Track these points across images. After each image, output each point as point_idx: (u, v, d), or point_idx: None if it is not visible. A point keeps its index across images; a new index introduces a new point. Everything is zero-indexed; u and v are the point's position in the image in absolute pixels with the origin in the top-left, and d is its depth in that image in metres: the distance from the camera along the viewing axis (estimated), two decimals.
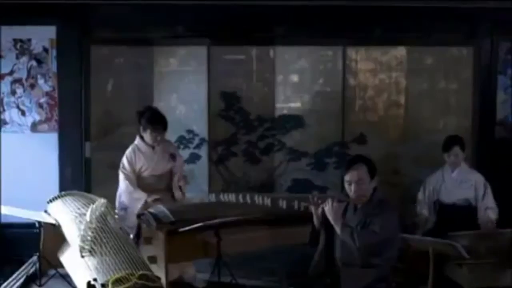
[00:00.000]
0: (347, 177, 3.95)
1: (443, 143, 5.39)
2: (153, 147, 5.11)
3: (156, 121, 5.05)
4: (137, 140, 5.13)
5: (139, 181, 5.08)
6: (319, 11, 6.15)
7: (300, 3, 6.16)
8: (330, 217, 3.87)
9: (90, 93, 6.19)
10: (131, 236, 4.70)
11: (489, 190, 5.28)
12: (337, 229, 3.85)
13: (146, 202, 4.91)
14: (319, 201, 3.94)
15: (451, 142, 5.36)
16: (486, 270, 4.69)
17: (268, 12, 6.15)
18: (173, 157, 5.18)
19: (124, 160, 5.08)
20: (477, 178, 5.33)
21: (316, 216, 3.97)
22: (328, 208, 3.87)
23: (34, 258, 4.80)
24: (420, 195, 5.47)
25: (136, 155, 5.08)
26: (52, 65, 6.20)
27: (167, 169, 5.17)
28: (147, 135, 5.07)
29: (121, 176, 5.05)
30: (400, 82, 6.42)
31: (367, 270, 3.81)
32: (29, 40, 6.19)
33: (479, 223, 5.24)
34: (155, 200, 4.89)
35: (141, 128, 5.09)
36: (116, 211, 4.93)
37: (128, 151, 5.11)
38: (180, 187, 5.10)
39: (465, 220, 5.17)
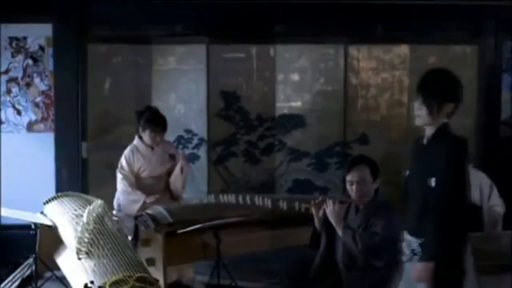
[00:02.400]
0: (349, 177, 3.94)
1: None
2: (152, 148, 5.08)
3: (155, 121, 5.02)
4: (136, 140, 5.09)
5: (137, 182, 5.04)
6: (320, 8, 6.12)
7: (300, 1, 6.12)
8: (331, 219, 3.87)
9: (87, 92, 6.16)
10: (129, 238, 4.66)
11: (495, 191, 5.24)
12: (339, 231, 3.84)
13: (144, 203, 4.86)
14: (321, 203, 3.91)
15: None
16: (491, 272, 4.63)
17: (268, 10, 6.13)
18: (172, 157, 5.14)
19: (123, 160, 5.04)
20: (482, 179, 5.28)
21: (317, 218, 3.94)
22: (329, 209, 3.87)
23: (30, 260, 4.73)
24: None
25: (134, 155, 5.04)
26: (48, 63, 6.16)
27: (166, 170, 5.13)
28: (146, 136, 5.03)
29: (119, 177, 5.01)
30: (403, 81, 6.39)
31: (369, 272, 3.78)
32: (25, 38, 6.15)
33: (483, 224, 5.20)
34: (153, 202, 4.85)
35: (140, 128, 5.06)
36: (114, 212, 4.88)
37: (127, 151, 5.07)
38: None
39: (469, 222, 5.12)
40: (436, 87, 3.27)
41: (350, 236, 3.77)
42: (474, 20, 6.31)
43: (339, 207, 3.86)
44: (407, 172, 3.43)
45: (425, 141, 3.32)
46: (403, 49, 6.38)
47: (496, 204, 5.21)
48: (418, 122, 3.33)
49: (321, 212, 3.92)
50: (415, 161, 3.38)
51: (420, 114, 3.28)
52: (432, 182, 3.19)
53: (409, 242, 3.30)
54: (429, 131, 3.31)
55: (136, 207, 4.86)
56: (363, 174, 3.90)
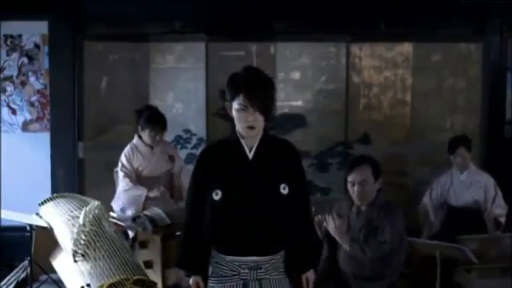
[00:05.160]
0: (350, 178, 3.91)
1: (448, 144, 5.36)
2: (151, 147, 5.06)
3: (155, 120, 5.01)
4: (135, 140, 5.08)
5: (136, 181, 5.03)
6: (322, 5, 6.09)
7: None
8: (335, 236, 3.81)
9: (83, 91, 6.10)
10: (130, 235, 4.68)
11: (499, 193, 5.25)
12: (345, 246, 3.80)
13: (147, 197, 4.87)
14: (320, 222, 3.86)
15: (456, 143, 5.33)
16: (495, 275, 4.62)
17: (268, 7, 6.10)
18: (172, 159, 5.14)
19: (123, 158, 5.03)
20: (487, 180, 5.30)
21: (318, 227, 3.84)
22: (331, 227, 3.81)
23: (25, 262, 4.77)
24: (426, 198, 5.42)
25: (134, 154, 5.04)
26: (44, 62, 6.11)
27: (166, 171, 5.12)
28: (145, 135, 5.02)
29: (121, 175, 4.99)
30: (406, 80, 6.34)
31: (377, 281, 3.79)
32: (20, 35, 6.10)
33: (486, 226, 5.18)
34: (156, 197, 4.89)
35: (139, 128, 5.05)
36: (115, 214, 4.87)
37: (126, 150, 5.06)
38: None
39: (474, 223, 5.12)
40: (271, 89, 2.86)
41: (358, 249, 3.75)
42: (479, 18, 6.28)
43: (340, 222, 3.80)
44: (219, 195, 2.87)
45: (250, 148, 2.91)
46: (406, 47, 6.32)
47: (499, 206, 5.20)
48: (252, 133, 2.84)
49: (322, 227, 3.85)
50: (248, 174, 2.89)
51: (255, 124, 2.82)
52: (283, 189, 2.87)
53: (256, 263, 2.87)
54: (249, 137, 2.89)
55: (140, 201, 4.86)
56: (365, 174, 3.86)
